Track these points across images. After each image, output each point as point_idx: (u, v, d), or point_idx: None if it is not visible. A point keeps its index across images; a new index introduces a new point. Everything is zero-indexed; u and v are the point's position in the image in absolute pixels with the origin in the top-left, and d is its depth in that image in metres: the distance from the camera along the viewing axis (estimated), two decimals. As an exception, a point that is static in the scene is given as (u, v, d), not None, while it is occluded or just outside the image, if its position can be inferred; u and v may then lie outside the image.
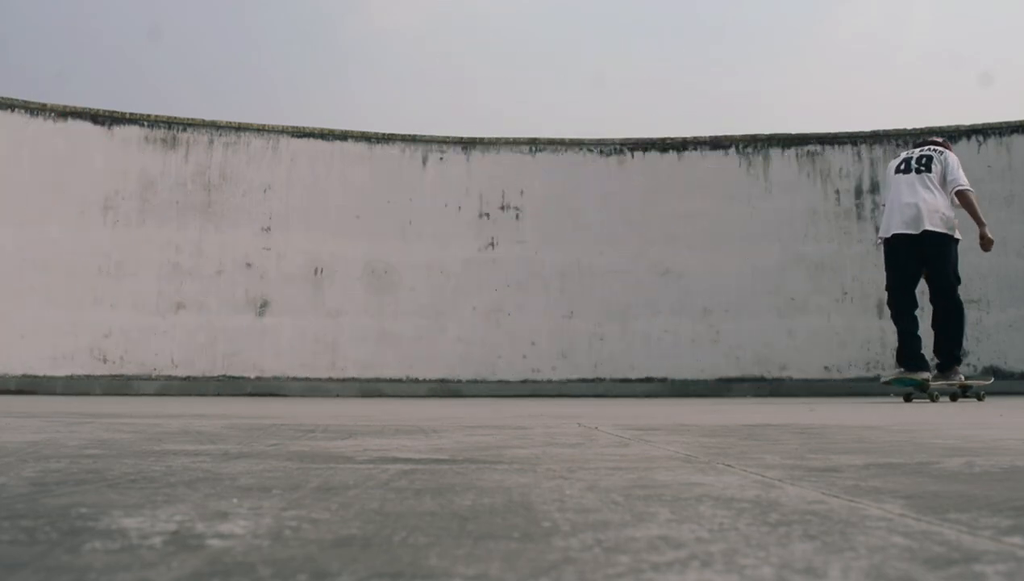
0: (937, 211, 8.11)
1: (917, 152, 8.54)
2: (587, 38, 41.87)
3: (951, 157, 8.40)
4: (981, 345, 11.64)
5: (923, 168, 8.30)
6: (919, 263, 8.23)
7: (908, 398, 7.94)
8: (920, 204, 8.10)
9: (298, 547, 0.99)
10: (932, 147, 8.57)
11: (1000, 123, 12.14)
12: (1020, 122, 12.11)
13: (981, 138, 12.14)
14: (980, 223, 8.27)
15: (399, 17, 42.35)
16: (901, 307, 8.24)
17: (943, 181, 8.24)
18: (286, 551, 0.97)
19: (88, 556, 0.94)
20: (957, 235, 8.27)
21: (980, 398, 8.18)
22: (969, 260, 12.02)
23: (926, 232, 8.07)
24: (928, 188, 8.19)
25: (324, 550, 0.97)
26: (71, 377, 10.86)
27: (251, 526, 1.12)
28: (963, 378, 8.33)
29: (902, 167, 8.49)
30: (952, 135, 12.18)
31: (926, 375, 7.96)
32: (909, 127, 12.43)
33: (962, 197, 8.24)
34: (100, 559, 0.93)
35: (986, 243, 8.29)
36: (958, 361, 8.32)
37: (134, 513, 1.22)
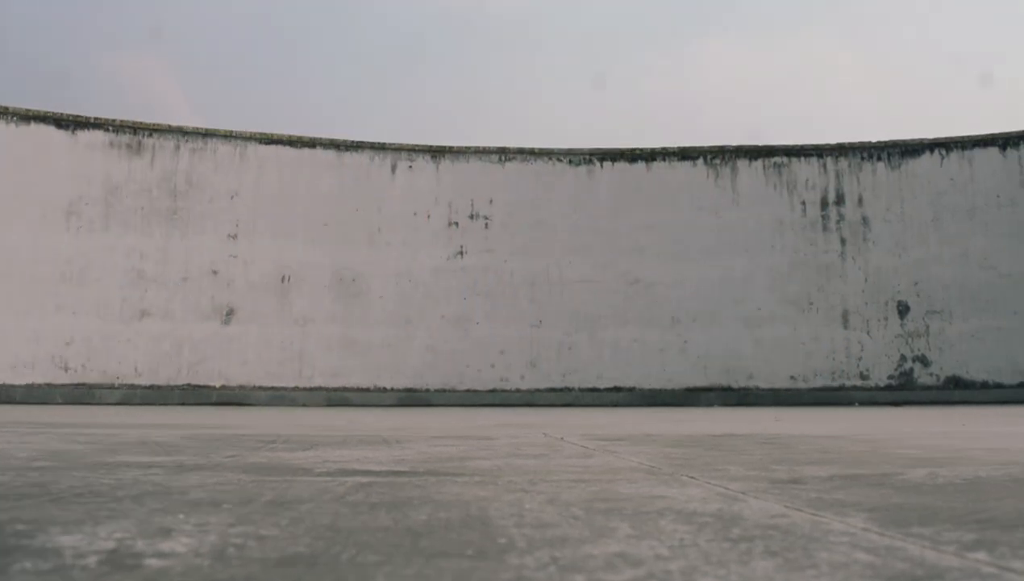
0: None
1: None
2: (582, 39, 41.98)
3: None
4: (943, 355, 11.79)
5: None
6: None
7: None
8: None
9: (240, 567, 0.95)
10: None
11: (962, 137, 12.32)
12: (982, 136, 12.31)
13: (944, 152, 12.32)
14: None
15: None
16: None
17: None
18: (227, 571, 0.92)
19: (16, 578, 0.89)
20: None
21: None
22: (932, 272, 12.24)
23: None
24: None
25: (267, 570, 0.93)
26: (31, 385, 10.64)
27: (194, 544, 1.08)
28: None
29: None
30: (915, 148, 12.35)
31: None
32: (873, 140, 12.59)
33: None
34: (28, 581, 0.88)
35: None
36: None
37: (73, 530, 1.17)
